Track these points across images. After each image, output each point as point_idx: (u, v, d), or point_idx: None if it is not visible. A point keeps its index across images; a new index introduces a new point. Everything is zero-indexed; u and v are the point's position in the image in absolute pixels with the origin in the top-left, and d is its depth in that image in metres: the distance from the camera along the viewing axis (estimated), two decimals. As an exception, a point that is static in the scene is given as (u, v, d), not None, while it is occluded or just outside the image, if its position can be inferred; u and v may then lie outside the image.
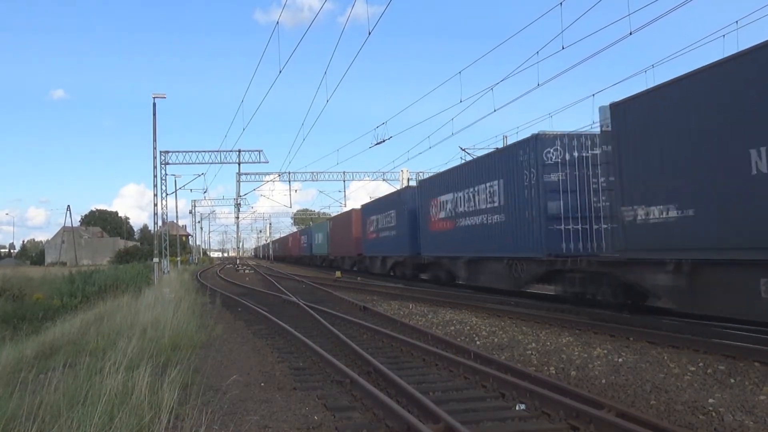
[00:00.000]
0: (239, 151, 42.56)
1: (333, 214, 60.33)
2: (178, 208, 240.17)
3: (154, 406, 5.59)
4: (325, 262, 49.78)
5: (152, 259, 33.48)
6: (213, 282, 31.49)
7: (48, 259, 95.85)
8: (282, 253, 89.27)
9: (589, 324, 11.32)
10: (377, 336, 11.11)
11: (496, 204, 16.21)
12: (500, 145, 28.15)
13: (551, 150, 13.96)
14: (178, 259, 58.66)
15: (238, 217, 60.67)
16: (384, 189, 70.22)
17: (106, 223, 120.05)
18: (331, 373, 7.96)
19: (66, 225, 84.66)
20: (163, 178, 42.08)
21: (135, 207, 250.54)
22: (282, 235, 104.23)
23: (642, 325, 10.77)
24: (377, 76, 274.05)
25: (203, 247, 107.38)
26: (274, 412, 6.24)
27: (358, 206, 40.41)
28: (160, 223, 38.98)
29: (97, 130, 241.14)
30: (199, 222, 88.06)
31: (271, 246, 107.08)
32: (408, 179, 41.05)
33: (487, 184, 16.67)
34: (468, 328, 12.01)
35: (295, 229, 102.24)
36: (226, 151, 42.51)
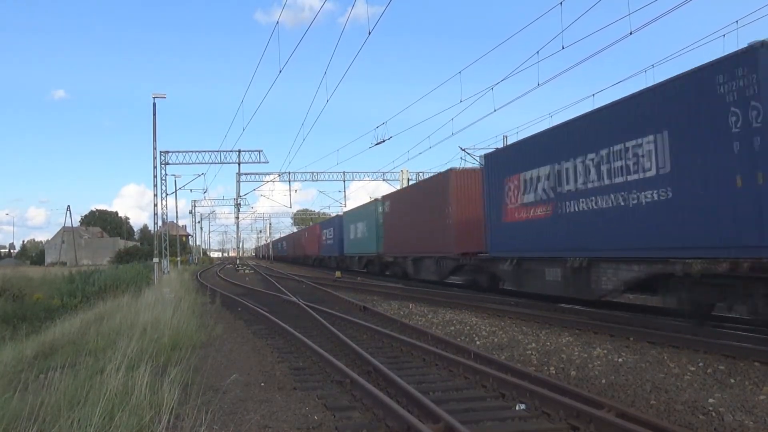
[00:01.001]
0: (239, 151, 42.69)
1: (333, 214, 59.40)
2: (178, 208, 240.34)
3: (155, 405, 5.60)
4: (371, 265, 32.91)
5: (152, 259, 33.48)
6: (213, 282, 31.48)
7: (48, 259, 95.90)
8: (292, 253, 72.90)
9: (589, 324, 11.32)
10: (377, 336, 11.10)
11: None
12: (500, 145, 27.66)
13: None
14: (178, 259, 58.66)
15: (238, 217, 60.74)
16: (384, 189, 69.97)
17: (106, 223, 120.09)
18: (331, 372, 7.96)
19: (66, 225, 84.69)
20: (163, 178, 42.21)
21: (135, 207, 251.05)
22: (282, 235, 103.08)
23: (642, 325, 10.78)
24: (377, 76, 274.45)
25: (203, 247, 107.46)
26: (274, 412, 6.24)
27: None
28: (160, 223, 38.99)
29: (97, 130, 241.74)
30: (199, 222, 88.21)
31: (271, 246, 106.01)
32: (408, 179, 41.00)
33: None
34: (468, 328, 12.01)
35: (295, 229, 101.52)
36: (226, 151, 42.66)
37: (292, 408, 6.42)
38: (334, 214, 56.24)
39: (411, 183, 39.02)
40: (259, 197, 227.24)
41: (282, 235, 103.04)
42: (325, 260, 49.22)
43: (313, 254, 54.15)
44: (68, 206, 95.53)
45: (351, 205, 56.84)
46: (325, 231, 48.12)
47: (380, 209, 29.98)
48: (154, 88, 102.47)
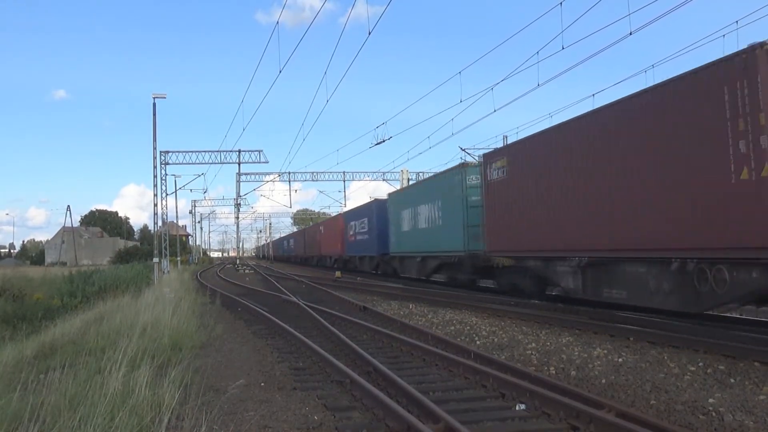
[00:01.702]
0: (239, 151, 42.64)
1: (333, 214, 58.51)
2: (178, 208, 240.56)
3: (155, 406, 5.60)
4: (452, 270, 21.30)
5: (152, 259, 33.49)
6: (213, 282, 31.48)
7: (48, 259, 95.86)
8: (302, 253, 61.52)
9: (589, 324, 11.33)
10: (377, 336, 11.11)
11: None
12: (500, 146, 27.57)
13: None
14: (178, 259, 58.64)
15: (238, 217, 60.71)
16: (384, 189, 69.82)
17: (106, 223, 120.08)
18: (331, 373, 7.96)
19: (66, 225, 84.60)
20: (163, 178, 42.17)
21: (135, 207, 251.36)
22: (283, 234, 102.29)
23: (642, 325, 10.78)
24: (377, 76, 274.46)
25: (203, 247, 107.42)
26: (274, 412, 6.25)
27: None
28: (160, 223, 38.99)
29: (97, 130, 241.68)
30: (199, 222, 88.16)
31: (272, 245, 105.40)
32: (408, 179, 40.99)
33: None
34: (468, 328, 12.01)
35: (295, 229, 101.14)
36: (226, 151, 42.61)
37: (292, 408, 6.42)
38: (334, 214, 55.78)
39: (412, 182, 38.44)
40: (259, 197, 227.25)
41: (283, 234, 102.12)
42: (353, 262, 36.96)
43: (335, 254, 42.57)
44: (68, 206, 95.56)
45: (351, 204, 56.09)
46: (353, 223, 35.91)
47: (471, 180, 19.05)
48: (154, 88, 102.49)
